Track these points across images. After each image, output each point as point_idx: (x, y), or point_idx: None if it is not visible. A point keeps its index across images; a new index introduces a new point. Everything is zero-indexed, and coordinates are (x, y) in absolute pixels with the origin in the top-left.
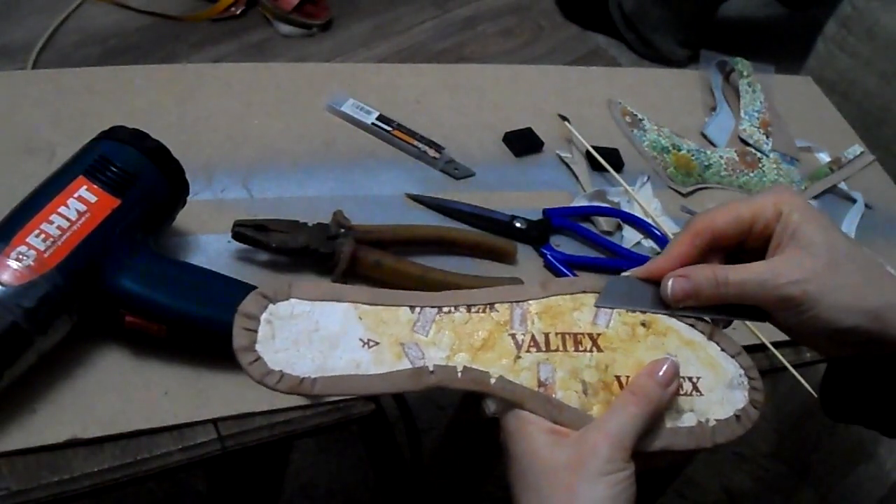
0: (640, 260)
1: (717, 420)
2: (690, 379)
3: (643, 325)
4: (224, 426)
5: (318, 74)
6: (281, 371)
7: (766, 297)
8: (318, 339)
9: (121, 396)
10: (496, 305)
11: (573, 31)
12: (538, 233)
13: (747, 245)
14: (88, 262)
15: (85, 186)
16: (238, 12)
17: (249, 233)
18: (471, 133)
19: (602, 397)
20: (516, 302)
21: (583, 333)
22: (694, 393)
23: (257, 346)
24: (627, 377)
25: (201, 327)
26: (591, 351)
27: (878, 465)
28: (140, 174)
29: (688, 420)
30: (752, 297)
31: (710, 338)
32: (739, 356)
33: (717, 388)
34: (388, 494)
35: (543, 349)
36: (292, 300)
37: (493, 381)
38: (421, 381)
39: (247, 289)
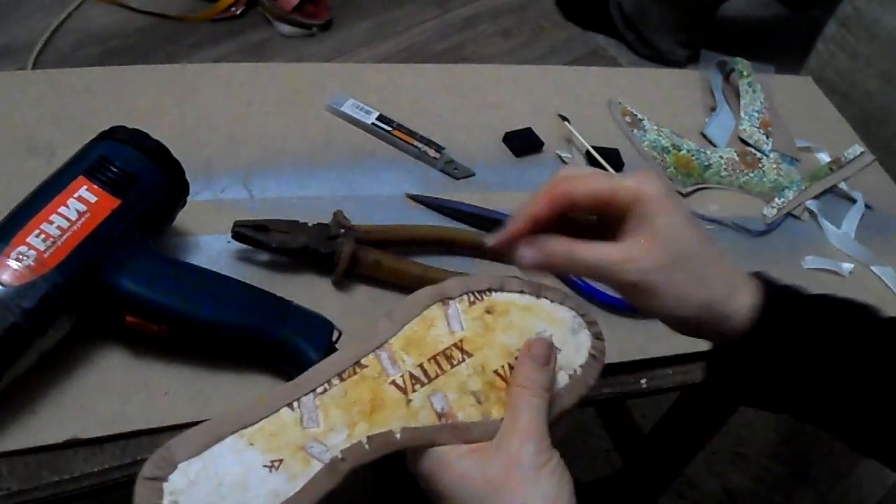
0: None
1: (580, 366)
2: None
3: (488, 311)
4: None
5: (318, 74)
6: None
7: (613, 280)
8: (227, 491)
9: (121, 396)
10: (362, 361)
11: (573, 31)
12: None
13: (601, 218)
14: (88, 262)
15: (85, 186)
16: (238, 12)
17: (249, 233)
18: (471, 133)
19: (494, 397)
20: (378, 348)
21: (449, 347)
22: (555, 351)
23: None
24: (503, 367)
25: (201, 327)
26: (463, 360)
27: (878, 465)
28: (140, 174)
29: (562, 379)
30: (600, 278)
31: (539, 296)
32: (567, 300)
33: (566, 338)
34: (387, 495)
35: (426, 381)
36: (180, 466)
37: (398, 436)
38: (337, 474)
39: (246, 288)
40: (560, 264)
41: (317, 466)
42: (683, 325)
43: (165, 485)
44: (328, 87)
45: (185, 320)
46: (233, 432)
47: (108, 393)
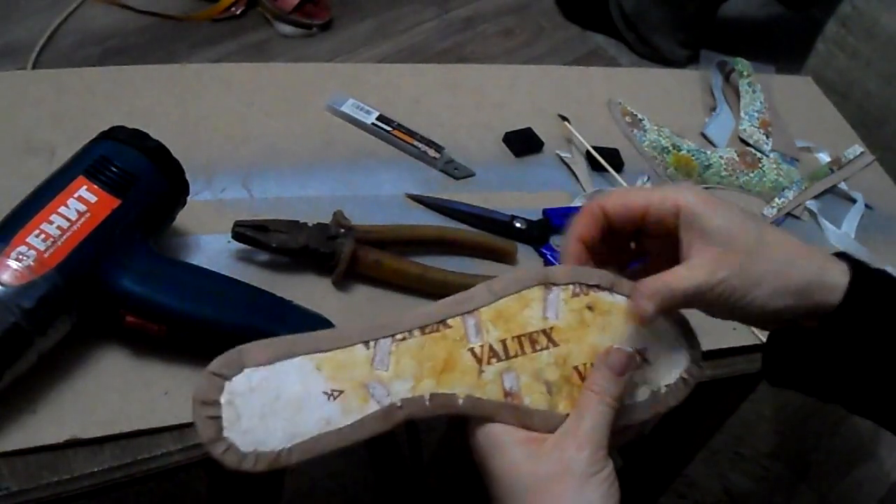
0: (640, 260)
1: (666, 386)
2: (638, 351)
3: (589, 308)
4: None
5: (318, 74)
6: (255, 451)
7: (704, 302)
8: (282, 406)
9: (121, 396)
10: (448, 321)
11: (573, 31)
12: (538, 233)
13: (647, 233)
14: (88, 262)
15: (85, 186)
16: (238, 12)
17: (249, 233)
18: (471, 133)
19: (566, 392)
20: (468, 313)
21: (537, 331)
22: (643, 364)
23: (225, 433)
24: (584, 365)
25: (201, 327)
26: (547, 348)
27: (878, 465)
28: (140, 174)
29: (642, 394)
30: (693, 304)
31: None
32: (675, 318)
33: (661, 354)
34: (388, 494)
35: (503, 357)
36: (246, 371)
37: (461, 401)
38: (391, 420)
39: (246, 288)
40: (671, 305)
41: (373, 407)
42: (778, 318)
43: (227, 384)
44: (328, 87)
45: (185, 320)
46: (305, 353)
47: (108, 393)
